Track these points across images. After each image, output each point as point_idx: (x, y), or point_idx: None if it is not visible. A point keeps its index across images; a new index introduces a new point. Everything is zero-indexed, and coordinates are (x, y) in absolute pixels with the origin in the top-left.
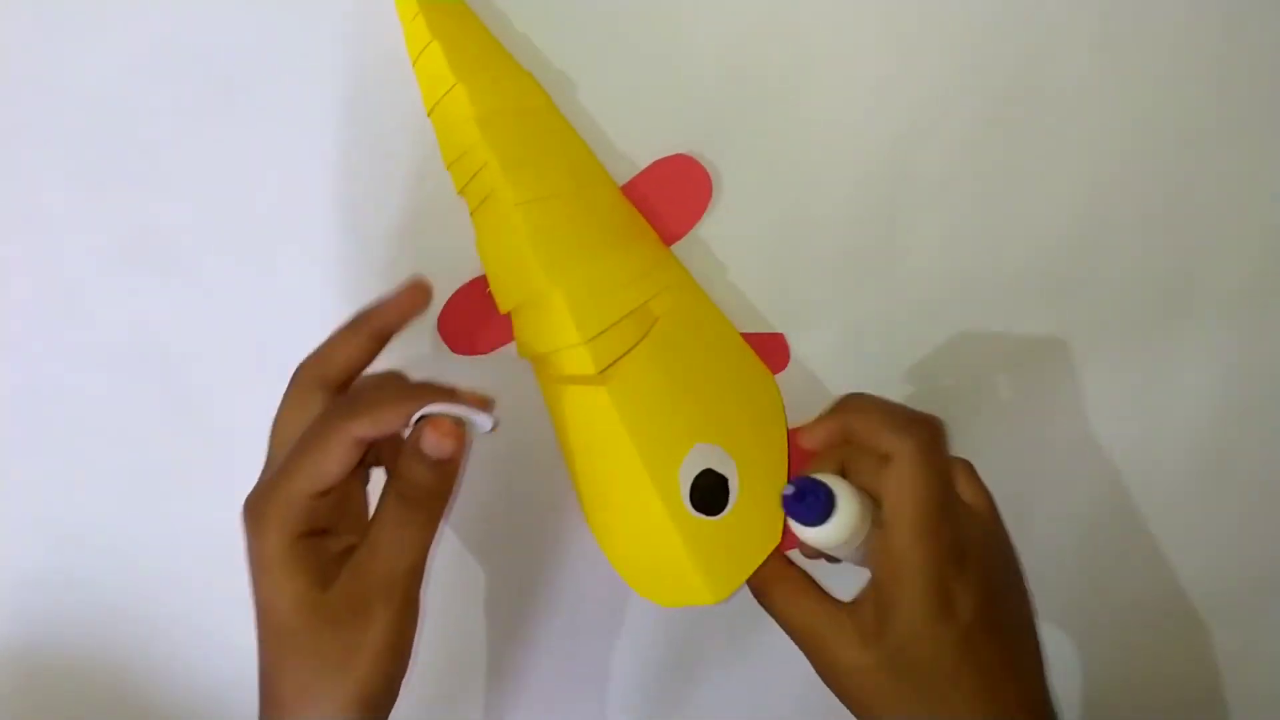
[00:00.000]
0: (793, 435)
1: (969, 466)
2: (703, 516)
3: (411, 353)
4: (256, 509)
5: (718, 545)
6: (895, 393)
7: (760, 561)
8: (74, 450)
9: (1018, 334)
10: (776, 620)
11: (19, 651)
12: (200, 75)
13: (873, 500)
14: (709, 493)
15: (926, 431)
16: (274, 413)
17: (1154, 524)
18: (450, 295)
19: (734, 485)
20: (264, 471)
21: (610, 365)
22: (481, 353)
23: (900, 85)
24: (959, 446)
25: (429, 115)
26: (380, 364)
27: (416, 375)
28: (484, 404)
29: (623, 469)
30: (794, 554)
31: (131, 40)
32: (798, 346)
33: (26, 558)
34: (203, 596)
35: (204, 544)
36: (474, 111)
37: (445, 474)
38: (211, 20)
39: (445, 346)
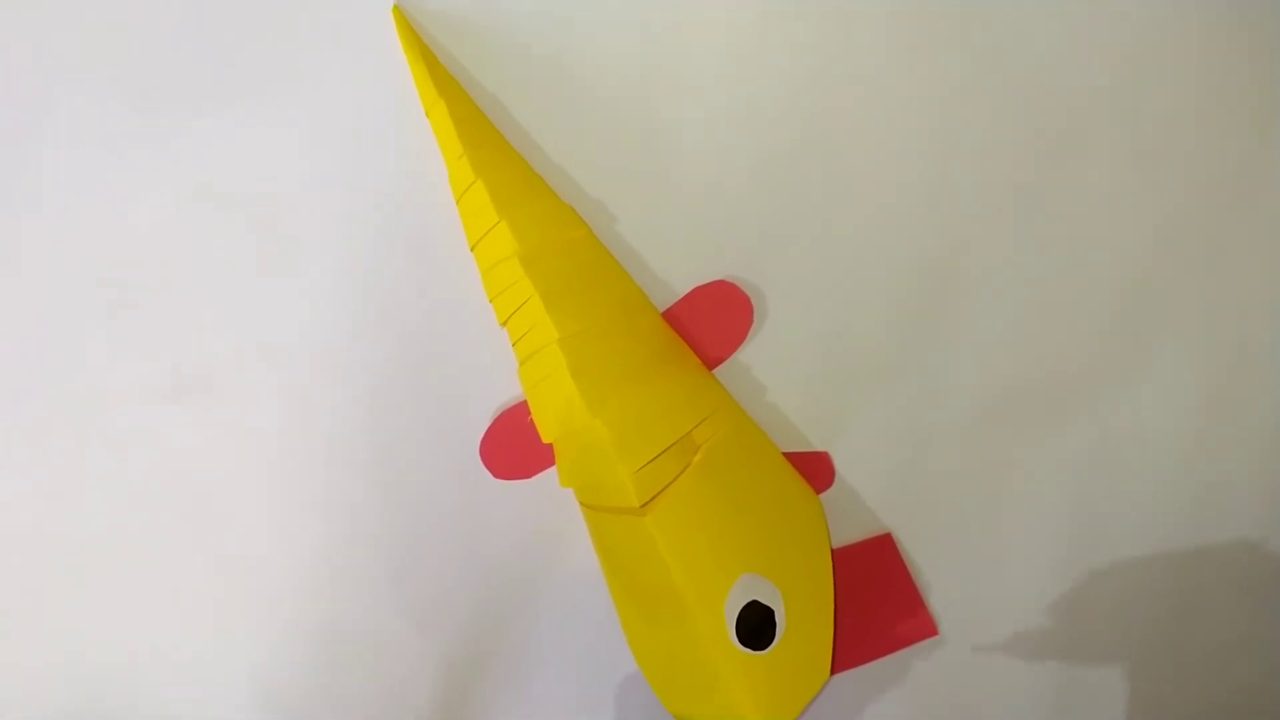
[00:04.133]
0: (836, 555)
1: None
2: (750, 652)
3: (457, 480)
4: None
5: (769, 680)
6: (941, 507)
7: (813, 695)
8: (107, 586)
9: (1062, 444)
10: None
11: None
12: (242, 213)
13: None
14: (756, 626)
15: None
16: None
17: (1209, 628)
18: (492, 421)
19: (781, 616)
20: None
21: (654, 498)
22: (524, 478)
23: (935, 198)
24: (1005, 556)
25: (472, 250)
26: (423, 484)
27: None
28: None
29: (668, 602)
30: None
31: (175, 181)
32: (841, 463)
33: (57, 693)
34: None
35: (236, 681)
36: (517, 248)
37: None
38: (254, 159)
39: (488, 472)
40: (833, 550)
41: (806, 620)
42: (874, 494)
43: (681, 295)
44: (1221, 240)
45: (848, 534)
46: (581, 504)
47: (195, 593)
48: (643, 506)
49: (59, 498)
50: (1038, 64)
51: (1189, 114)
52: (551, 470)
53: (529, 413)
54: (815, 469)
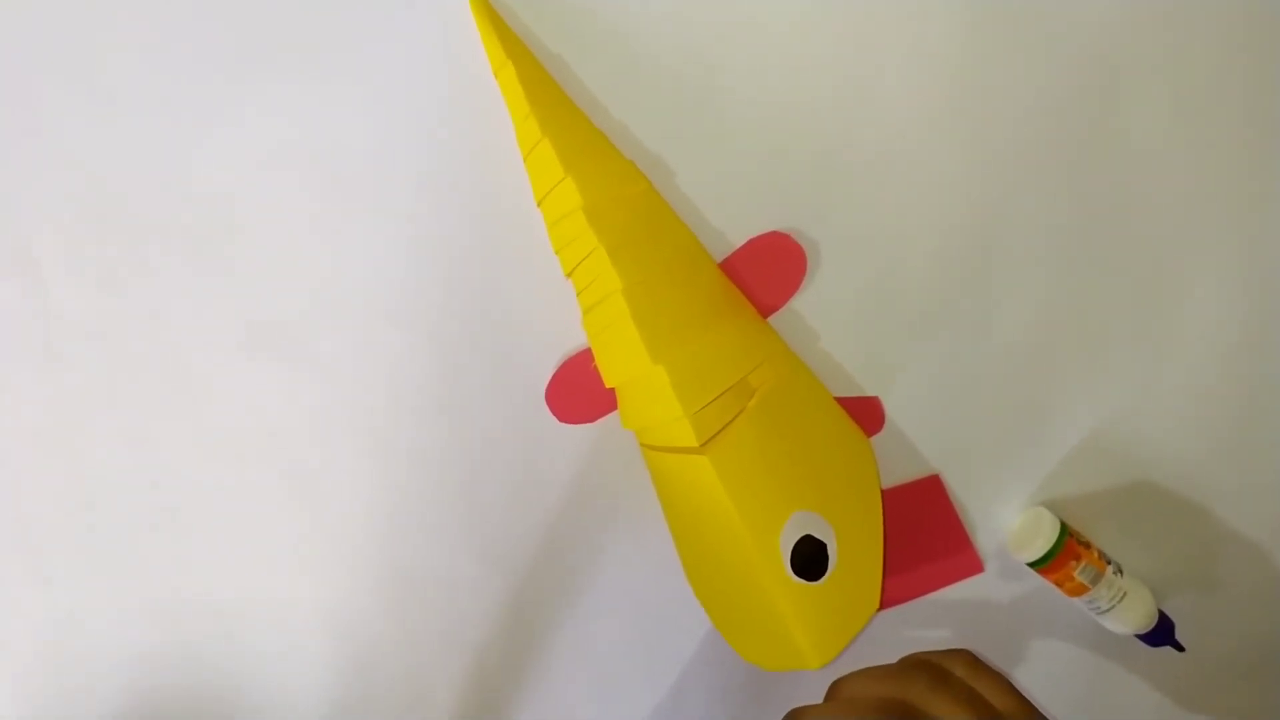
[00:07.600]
0: (886, 495)
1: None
2: (804, 582)
3: (519, 423)
4: None
5: (820, 611)
6: (985, 447)
7: (862, 626)
8: (188, 532)
9: (1104, 390)
10: None
11: None
12: (316, 173)
13: None
14: (809, 559)
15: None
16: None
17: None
18: (557, 368)
19: (833, 550)
20: None
21: (712, 437)
22: (586, 421)
23: (980, 153)
24: (1050, 497)
25: (538, 205)
26: (491, 429)
27: (525, 444)
28: None
29: (726, 536)
30: None
31: (250, 142)
32: (891, 408)
33: (139, 635)
34: (307, 674)
35: (312, 619)
36: (583, 202)
37: None
38: (328, 121)
39: (553, 415)
40: (883, 490)
41: (857, 555)
42: (923, 437)
43: (737, 246)
44: (1263, 192)
45: (898, 475)
46: (642, 445)
47: (273, 536)
48: (702, 445)
49: (148, 448)
50: (1079, 18)
51: (1226, 66)
52: (613, 415)
53: (592, 360)
54: (866, 413)
